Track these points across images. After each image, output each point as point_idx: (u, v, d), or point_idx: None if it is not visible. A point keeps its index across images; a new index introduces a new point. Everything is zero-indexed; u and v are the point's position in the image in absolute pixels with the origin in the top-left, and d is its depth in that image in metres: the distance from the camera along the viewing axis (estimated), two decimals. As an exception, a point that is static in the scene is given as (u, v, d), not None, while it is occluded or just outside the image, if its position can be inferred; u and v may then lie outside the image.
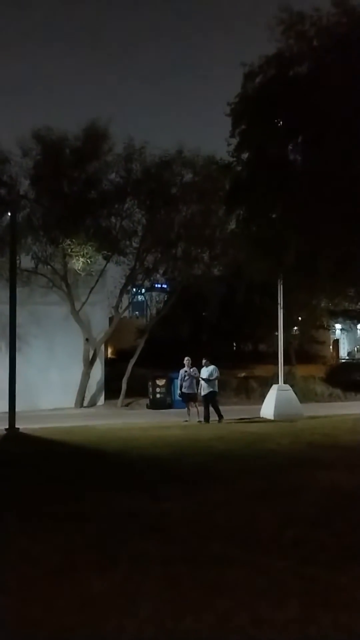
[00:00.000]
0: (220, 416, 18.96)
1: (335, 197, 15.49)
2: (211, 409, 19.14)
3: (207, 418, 18.90)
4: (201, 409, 19.36)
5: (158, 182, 25.07)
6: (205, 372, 19.21)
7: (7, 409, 18.44)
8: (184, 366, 19.47)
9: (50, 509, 8.79)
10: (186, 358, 19.39)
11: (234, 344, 41.33)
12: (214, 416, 19.07)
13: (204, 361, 19.43)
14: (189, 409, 19.25)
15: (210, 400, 19.09)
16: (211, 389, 19.11)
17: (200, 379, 19.30)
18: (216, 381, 19.41)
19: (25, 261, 24.28)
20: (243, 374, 30.42)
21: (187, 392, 19.35)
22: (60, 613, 5.08)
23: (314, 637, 4.69)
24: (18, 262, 20.90)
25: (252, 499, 8.98)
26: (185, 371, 19.37)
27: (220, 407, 19.49)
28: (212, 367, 19.27)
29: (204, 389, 19.13)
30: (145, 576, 5.83)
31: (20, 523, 8.13)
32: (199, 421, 18.90)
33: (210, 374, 19.14)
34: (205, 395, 19.11)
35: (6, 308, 19.46)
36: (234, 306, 31.91)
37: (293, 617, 4.90)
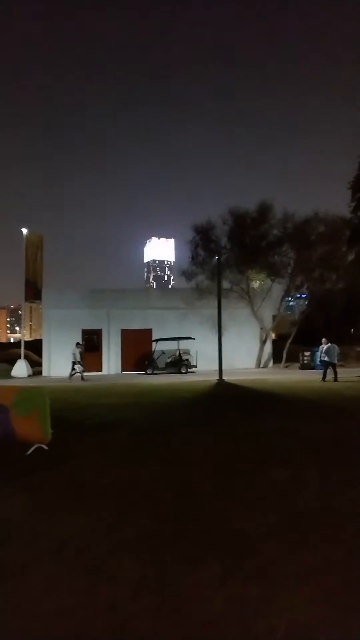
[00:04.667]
0: (324, 379, 17.49)
1: None
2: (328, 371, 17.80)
3: (327, 376, 17.53)
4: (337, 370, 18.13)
5: (303, 234, 24.31)
6: (324, 348, 18.04)
7: (217, 368, 18.97)
8: (321, 344, 18.66)
9: (247, 425, 9.01)
10: (323, 339, 18.65)
11: (352, 330, 38.86)
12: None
13: (323, 340, 18.19)
14: (325, 371, 18.42)
15: (327, 365, 17.84)
16: (327, 359, 17.88)
17: (321, 352, 18.24)
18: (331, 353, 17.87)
19: (225, 284, 24.65)
20: (359, 349, 28.56)
21: (324, 359, 18.52)
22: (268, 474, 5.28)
23: None
24: (222, 284, 21.33)
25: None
26: (322, 347, 18.59)
27: (345, 369, 18.44)
28: (329, 344, 17.97)
29: (323, 358, 18.00)
30: (311, 469, 5.87)
31: (234, 436, 8.39)
32: (330, 379, 17.59)
33: (327, 349, 17.90)
34: (324, 362, 17.97)
35: (215, 311, 20.04)
36: (351, 307, 30.08)
37: None
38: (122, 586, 3.08)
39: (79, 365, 20.78)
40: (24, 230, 24.74)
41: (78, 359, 20.76)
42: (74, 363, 20.72)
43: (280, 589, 3.00)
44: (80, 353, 21.05)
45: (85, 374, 20.85)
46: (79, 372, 20.71)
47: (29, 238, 25.01)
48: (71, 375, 20.72)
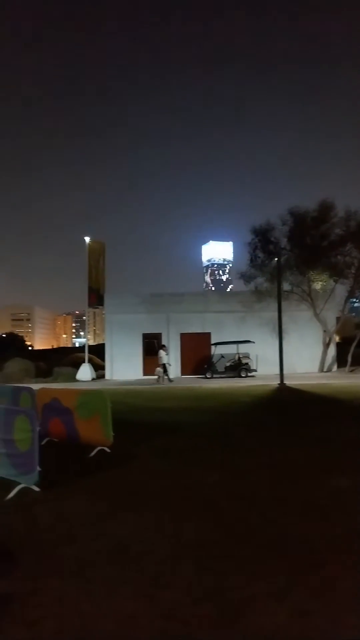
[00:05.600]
0: None
1: None
2: None
3: None
4: None
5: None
6: None
7: (278, 372, 18.58)
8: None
9: (309, 431, 8.71)
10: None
11: None
12: None
13: None
14: None
15: None
16: None
17: None
18: None
19: (285, 285, 24.10)
20: None
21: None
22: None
23: None
24: (282, 286, 20.89)
25: None
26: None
27: None
28: None
29: None
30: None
31: (298, 440, 8.14)
32: None
33: None
34: None
35: (275, 314, 19.68)
36: None
37: None
38: (182, 593, 3.05)
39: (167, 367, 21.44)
40: (87, 239, 25.62)
41: (165, 361, 21.29)
42: (163, 365, 21.21)
43: (346, 606, 2.84)
44: (167, 355, 21.66)
45: (150, 377, 21.27)
46: (165, 375, 21.27)
47: (92, 246, 25.86)
48: (166, 377, 21.18)
